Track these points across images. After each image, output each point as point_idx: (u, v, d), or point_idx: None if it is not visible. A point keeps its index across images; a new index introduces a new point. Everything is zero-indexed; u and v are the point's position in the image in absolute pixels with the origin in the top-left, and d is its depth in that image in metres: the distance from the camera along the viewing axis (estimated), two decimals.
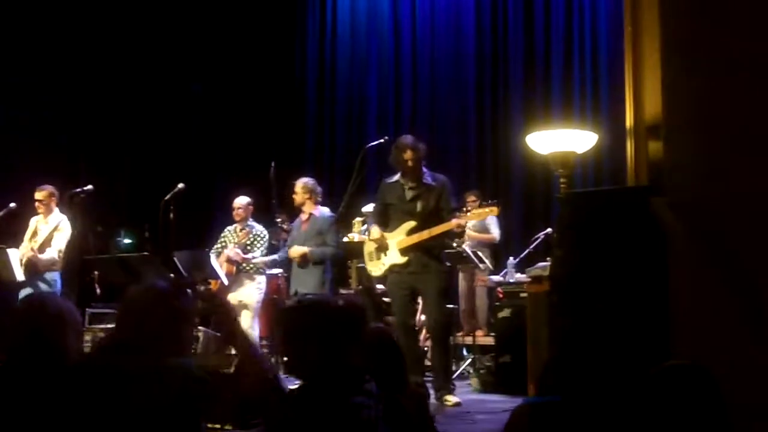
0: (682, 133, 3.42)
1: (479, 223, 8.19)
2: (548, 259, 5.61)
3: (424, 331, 6.81)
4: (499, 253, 8.42)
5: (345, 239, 7.69)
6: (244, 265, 6.92)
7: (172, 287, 2.51)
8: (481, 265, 7.52)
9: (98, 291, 8.74)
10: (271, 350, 7.16)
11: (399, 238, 5.77)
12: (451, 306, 7.09)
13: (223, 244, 7.10)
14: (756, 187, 3.20)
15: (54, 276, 6.77)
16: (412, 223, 5.72)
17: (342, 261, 7.53)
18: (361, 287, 7.34)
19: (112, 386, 2.29)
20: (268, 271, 7.36)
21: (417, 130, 8.83)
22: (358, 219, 8.03)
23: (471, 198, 7.91)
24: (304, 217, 6.79)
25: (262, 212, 7.53)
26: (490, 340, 7.44)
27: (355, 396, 2.27)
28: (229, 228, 7.23)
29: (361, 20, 10.85)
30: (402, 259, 5.75)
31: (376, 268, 5.95)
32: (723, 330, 3.16)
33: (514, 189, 9.67)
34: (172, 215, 6.26)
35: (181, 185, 6.40)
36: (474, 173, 9.86)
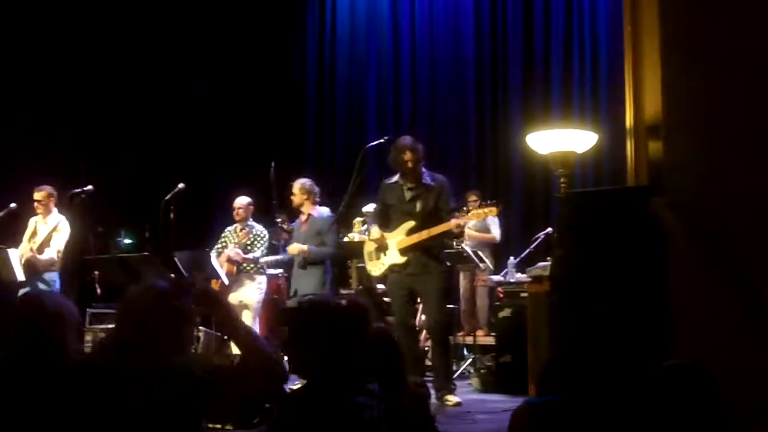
0: (682, 132, 3.42)
1: (480, 222, 8.20)
2: (548, 258, 5.61)
3: (424, 331, 6.81)
4: (499, 252, 8.43)
5: (345, 239, 7.70)
6: (245, 265, 6.92)
7: (172, 287, 2.51)
8: (481, 265, 7.53)
9: (98, 291, 8.75)
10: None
11: (398, 238, 5.77)
12: (452, 306, 7.10)
13: (224, 244, 7.10)
14: (756, 187, 3.20)
15: (53, 276, 6.78)
16: (411, 223, 5.73)
17: (342, 261, 7.53)
18: (361, 287, 7.34)
19: (112, 386, 2.29)
20: (269, 271, 7.37)
21: (417, 131, 8.85)
22: (358, 219, 8.04)
23: (472, 198, 7.92)
24: (303, 218, 6.81)
25: (262, 212, 7.53)
26: (490, 340, 7.45)
27: (357, 396, 2.27)
28: (229, 228, 7.23)
29: (361, 20, 10.86)
30: (401, 259, 5.75)
31: (376, 267, 5.96)
32: (723, 330, 3.16)
33: (514, 189, 9.68)
34: (172, 215, 6.26)
35: (181, 185, 6.39)
36: (474, 173, 9.87)
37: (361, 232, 7.77)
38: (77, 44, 9.81)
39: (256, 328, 7.00)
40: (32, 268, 6.67)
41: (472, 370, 6.99)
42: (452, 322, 7.11)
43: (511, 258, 7.50)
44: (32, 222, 6.98)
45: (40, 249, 6.73)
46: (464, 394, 6.14)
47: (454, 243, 7.04)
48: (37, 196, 6.90)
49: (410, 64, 10.50)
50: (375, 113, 10.64)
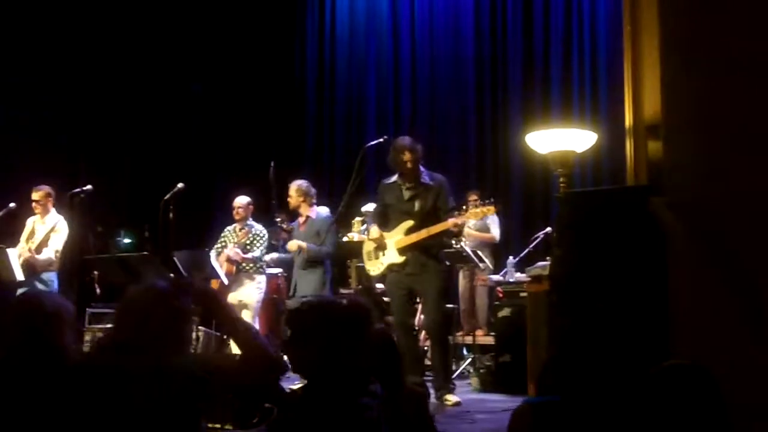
0: (682, 132, 3.42)
1: (480, 222, 8.21)
2: (548, 258, 5.61)
3: (424, 331, 6.81)
4: (499, 252, 8.43)
5: (344, 239, 7.70)
6: (244, 264, 6.92)
7: (172, 287, 2.50)
8: (481, 265, 7.53)
9: (98, 291, 8.75)
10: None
11: (397, 237, 5.77)
12: (451, 306, 7.10)
13: (223, 243, 7.10)
14: (756, 187, 3.20)
15: (51, 276, 6.78)
16: (410, 223, 5.73)
17: (341, 261, 7.54)
18: (360, 287, 7.35)
19: (111, 386, 2.29)
20: (268, 271, 7.37)
21: (417, 131, 8.86)
22: (358, 219, 8.04)
23: (473, 197, 7.91)
24: (301, 219, 6.83)
25: (262, 212, 7.53)
26: (490, 340, 7.45)
27: (359, 397, 2.27)
28: (228, 228, 7.23)
29: (360, 21, 10.86)
30: (400, 259, 5.75)
31: (375, 267, 5.96)
32: (723, 330, 3.16)
33: (514, 188, 9.68)
34: (172, 215, 6.25)
35: (180, 185, 6.39)
36: (474, 173, 9.86)
37: (361, 232, 7.77)
38: (77, 44, 9.81)
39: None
40: (30, 268, 6.67)
41: (471, 370, 7.00)
42: (451, 322, 7.11)
43: (511, 257, 7.50)
44: (30, 222, 6.98)
45: (39, 249, 6.73)
46: (464, 393, 6.14)
47: (453, 242, 7.04)
48: (35, 196, 6.90)
49: (410, 64, 10.50)
50: (375, 113, 10.64)
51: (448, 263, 6.38)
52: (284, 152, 9.87)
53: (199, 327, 6.24)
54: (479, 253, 7.51)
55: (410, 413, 2.60)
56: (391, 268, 5.82)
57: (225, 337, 6.40)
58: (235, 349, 3.74)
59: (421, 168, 5.79)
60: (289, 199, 6.86)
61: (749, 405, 2.79)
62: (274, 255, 7.46)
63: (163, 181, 6.98)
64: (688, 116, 3.40)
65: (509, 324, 6.56)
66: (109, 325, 6.74)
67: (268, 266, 7.47)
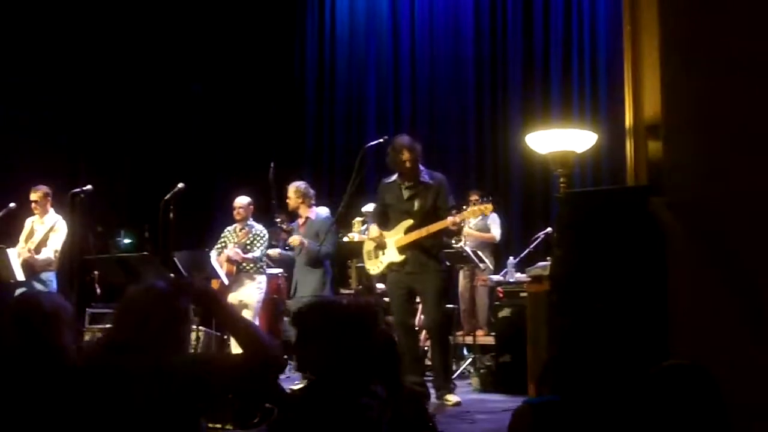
0: (682, 132, 3.42)
1: (480, 222, 8.22)
2: (548, 258, 5.61)
3: (424, 331, 6.81)
4: (499, 252, 8.43)
5: (345, 239, 7.70)
6: (244, 264, 6.92)
7: (172, 287, 2.50)
8: (481, 265, 7.53)
9: (98, 291, 8.76)
10: None
11: (397, 236, 5.78)
12: (451, 306, 7.10)
13: (224, 244, 7.11)
14: (756, 187, 3.20)
15: (50, 276, 6.78)
16: (409, 222, 5.73)
17: (342, 261, 7.54)
18: (360, 287, 7.35)
19: (112, 386, 2.29)
20: (269, 271, 7.37)
21: (416, 130, 8.86)
22: (358, 219, 8.05)
23: (474, 197, 7.92)
24: (300, 221, 6.83)
25: (262, 212, 7.54)
26: (490, 340, 7.45)
27: (360, 397, 2.28)
28: (229, 228, 7.23)
29: (360, 21, 10.86)
30: (399, 258, 5.75)
31: (375, 266, 5.96)
32: (723, 330, 3.16)
33: (514, 189, 9.68)
34: (171, 215, 6.25)
35: (181, 185, 6.39)
36: (473, 173, 9.87)
37: (361, 232, 7.78)
38: (77, 44, 9.82)
39: None
40: (30, 268, 6.67)
41: (471, 370, 7.00)
42: (451, 322, 7.11)
43: (511, 258, 7.50)
44: (29, 222, 6.99)
45: (38, 249, 6.73)
46: (464, 393, 6.14)
47: (453, 242, 7.04)
48: (33, 196, 6.90)
49: (410, 64, 10.50)
50: (375, 113, 10.64)
51: (448, 263, 6.38)
52: (284, 152, 9.88)
53: (199, 327, 6.25)
54: (479, 253, 7.52)
55: (409, 414, 2.60)
56: (391, 267, 5.82)
57: (225, 337, 6.41)
58: (235, 349, 3.73)
59: (421, 167, 5.79)
60: (288, 201, 6.87)
61: (749, 405, 2.79)
62: (276, 250, 7.47)
63: (163, 181, 6.99)
64: (688, 116, 3.40)
65: (509, 324, 6.57)
66: (108, 326, 6.75)
67: (269, 266, 7.47)
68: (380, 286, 7.03)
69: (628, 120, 3.90)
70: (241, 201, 7.15)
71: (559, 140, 5.11)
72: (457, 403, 5.58)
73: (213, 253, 6.90)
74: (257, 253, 6.96)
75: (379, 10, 10.71)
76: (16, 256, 6.61)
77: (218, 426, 4.44)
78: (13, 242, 6.88)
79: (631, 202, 3.60)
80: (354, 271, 7.71)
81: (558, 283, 3.89)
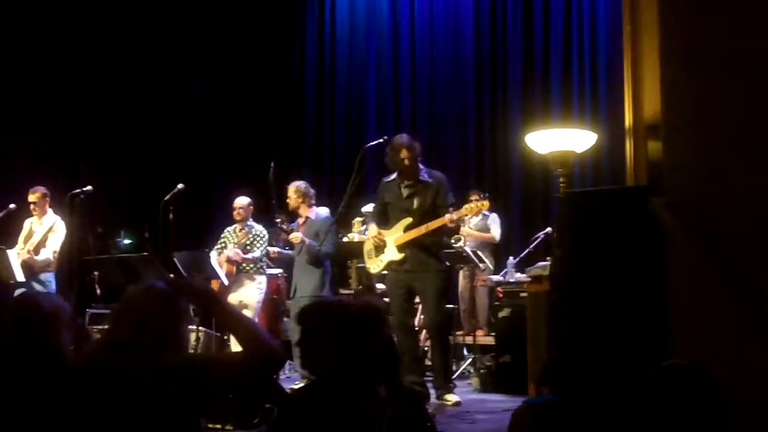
0: (682, 132, 3.42)
1: (481, 222, 8.22)
2: (548, 258, 5.61)
3: (424, 331, 6.81)
4: (499, 252, 8.43)
5: (345, 239, 7.70)
6: (244, 265, 6.92)
7: (171, 287, 2.50)
8: (481, 265, 7.53)
9: (98, 291, 8.76)
10: None
11: (396, 235, 5.78)
12: (451, 306, 7.10)
13: (224, 244, 7.11)
14: (756, 187, 3.19)
15: (49, 277, 6.79)
16: (408, 220, 5.73)
17: (341, 261, 7.53)
18: (361, 287, 7.35)
19: (111, 386, 2.29)
20: (268, 271, 7.37)
21: (416, 130, 8.86)
22: (358, 219, 8.05)
23: (474, 197, 7.91)
24: (300, 221, 6.83)
25: (262, 212, 7.54)
26: (490, 340, 7.45)
27: (363, 397, 2.28)
28: (228, 228, 7.24)
29: (360, 21, 10.86)
30: (399, 256, 5.75)
31: (374, 265, 5.96)
32: (723, 330, 3.15)
33: (514, 188, 9.68)
34: (171, 215, 6.24)
35: (180, 185, 6.39)
36: (473, 173, 9.87)
37: (361, 232, 7.77)
38: (77, 44, 9.82)
39: None
40: (29, 269, 6.67)
41: (471, 370, 7.00)
42: (451, 322, 7.11)
43: (511, 258, 7.50)
44: (27, 223, 6.99)
45: (36, 250, 6.74)
46: (464, 393, 6.14)
47: (453, 242, 7.04)
48: (31, 197, 6.91)
49: (410, 64, 10.50)
50: (375, 113, 10.64)
51: (447, 264, 6.38)
52: (284, 152, 9.87)
53: (199, 327, 6.24)
54: (479, 253, 7.51)
55: (409, 414, 2.60)
56: (391, 265, 5.82)
57: (225, 337, 6.41)
58: (235, 348, 3.73)
59: (421, 166, 5.79)
60: (288, 201, 6.87)
61: (749, 405, 2.79)
62: (276, 248, 7.46)
63: (163, 182, 6.98)
64: (688, 116, 3.40)
65: (509, 324, 6.57)
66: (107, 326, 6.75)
67: (269, 266, 7.47)
68: (380, 286, 7.03)
69: (628, 120, 3.90)
70: (241, 201, 7.15)
71: (559, 140, 5.11)
72: (457, 403, 5.58)
73: (213, 254, 6.90)
74: (257, 253, 6.96)
75: (379, 10, 10.71)
76: (15, 256, 6.62)
77: (218, 426, 4.44)
78: (13, 243, 6.89)
79: (631, 202, 3.60)
80: (354, 271, 7.71)
81: (558, 283, 3.89)
